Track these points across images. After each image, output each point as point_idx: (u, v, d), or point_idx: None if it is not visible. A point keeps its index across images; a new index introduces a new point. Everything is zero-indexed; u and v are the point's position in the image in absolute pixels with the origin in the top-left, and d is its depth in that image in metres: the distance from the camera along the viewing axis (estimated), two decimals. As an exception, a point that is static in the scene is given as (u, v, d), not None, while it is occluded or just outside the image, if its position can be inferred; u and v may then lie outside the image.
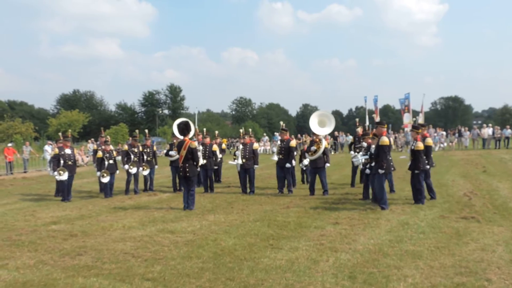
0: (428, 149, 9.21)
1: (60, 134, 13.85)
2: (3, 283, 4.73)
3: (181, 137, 9.45)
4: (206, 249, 5.88)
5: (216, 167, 13.18)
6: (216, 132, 15.28)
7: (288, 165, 11.08)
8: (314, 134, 11.09)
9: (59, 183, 11.52)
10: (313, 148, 10.66)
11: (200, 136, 12.65)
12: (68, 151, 11.33)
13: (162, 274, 4.88)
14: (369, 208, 8.53)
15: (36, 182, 16.43)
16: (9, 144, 22.60)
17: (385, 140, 8.52)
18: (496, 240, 5.96)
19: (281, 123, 12.13)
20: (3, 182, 16.56)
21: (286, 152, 11.14)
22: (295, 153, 11.21)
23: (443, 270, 4.75)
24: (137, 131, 15.89)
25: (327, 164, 10.73)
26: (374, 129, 10.68)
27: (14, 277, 4.91)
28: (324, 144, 10.66)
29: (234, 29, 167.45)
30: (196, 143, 9.50)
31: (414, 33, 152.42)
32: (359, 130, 12.24)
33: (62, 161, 11.07)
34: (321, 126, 11.25)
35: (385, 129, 8.95)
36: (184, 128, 9.23)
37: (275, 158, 11.44)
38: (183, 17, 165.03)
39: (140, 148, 12.48)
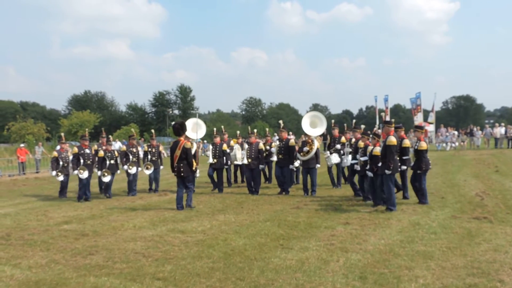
0: (405, 150, 8.98)
1: (62, 135, 14.02)
2: (16, 282, 4.80)
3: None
4: (217, 249, 5.89)
5: (226, 166, 13.05)
6: (238, 132, 15.26)
7: (291, 166, 11.07)
8: (306, 135, 11.13)
9: (63, 183, 11.78)
10: (306, 149, 10.70)
11: (218, 139, 12.35)
12: (87, 150, 11.54)
13: (172, 273, 4.90)
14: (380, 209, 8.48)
15: (48, 182, 16.61)
16: (22, 145, 22.92)
17: (392, 140, 8.29)
18: (509, 240, 5.88)
19: (280, 122, 12.12)
20: (16, 182, 16.80)
21: (286, 152, 11.08)
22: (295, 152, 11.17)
23: (455, 271, 4.71)
24: (133, 130, 16.03)
25: (317, 165, 10.76)
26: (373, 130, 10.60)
27: (27, 276, 4.98)
28: (317, 145, 10.71)
29: (243, 29, 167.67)
30: (190, 144, 9.48)
31: (425, 31, 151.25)
32: (335, 131, 12.22)
33: (82, 160, 11.23)
34: (312, 127, 11.23)
35: (393, 128, 8.69)
36: (179, 128, 9.29)
37: (274, 158, 11.42)
38: (192, 17, 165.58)
39: (146, 148, 12.61)
